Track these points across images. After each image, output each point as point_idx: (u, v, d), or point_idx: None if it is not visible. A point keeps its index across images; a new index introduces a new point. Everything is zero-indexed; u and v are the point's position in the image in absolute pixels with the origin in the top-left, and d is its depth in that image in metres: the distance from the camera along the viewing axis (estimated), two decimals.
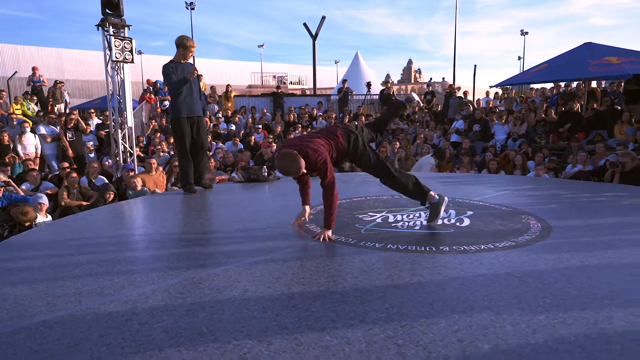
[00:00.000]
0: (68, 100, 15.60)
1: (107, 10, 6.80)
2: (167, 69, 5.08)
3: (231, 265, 2.74)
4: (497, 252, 2.92)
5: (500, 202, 4.48)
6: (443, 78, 30.25)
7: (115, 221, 4.28)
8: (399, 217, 3.86)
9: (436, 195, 3.56)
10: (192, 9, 32.94)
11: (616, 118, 9.31)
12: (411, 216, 3.89)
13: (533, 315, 2.01)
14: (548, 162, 8.47)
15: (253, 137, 11.93)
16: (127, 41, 6.95)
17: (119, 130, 7.18)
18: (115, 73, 7.11)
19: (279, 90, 15.67)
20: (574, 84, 12.80)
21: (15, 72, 21.25)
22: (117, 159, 7.21)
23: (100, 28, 6.87)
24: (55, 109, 13.57)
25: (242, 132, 13.01)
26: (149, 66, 39.08)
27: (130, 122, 7.23)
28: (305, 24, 18.64)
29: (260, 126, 12.71)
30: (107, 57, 6.96)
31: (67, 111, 12.33)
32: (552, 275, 2.51)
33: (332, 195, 3.20)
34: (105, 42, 6.86)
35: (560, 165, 8.73)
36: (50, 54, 38.37)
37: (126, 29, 7.02)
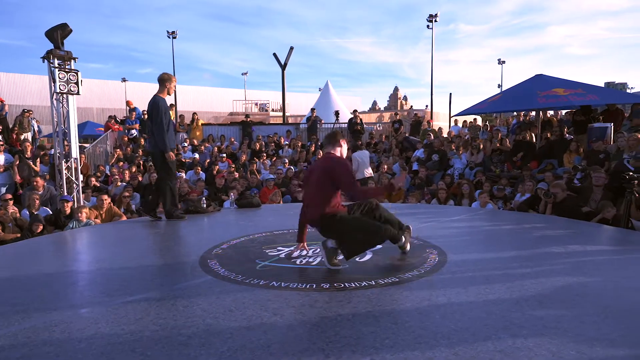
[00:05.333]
0: (36, 129, 15.53)
1: (60, 43, 6.87)
2: (165, 105, 5.60)
3: (100, 306, 2.72)
4: (374, 289, 2.94)
5: (416, 235, 4.51)
6: (426, 106, 30.79)
7: (11, 258, 4.14)
8: (303, 252, 3.87)
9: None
10: (174, 37, 33.36)
11: (565, 147, 9.52)
12: (317, 251, 3.90)
13: (361, 356, 2.03)
14: (496, 190, 8.60)
15: (217, 166, 11.95)
16: (73, 73, 7.01)
17: (63, 161, 7.16)
18: (61, 105, 7.14)
19: (248, 119, 15.80)
20: (533, 113, 13.11)
21: None
22: (61, 190, 7.16)
23: (45, 60, 6.93)
24: (22, 137, 13.51)
25: (208, 161, 13.04)
26: (132, 93, 39.34)
27: (75, 153, 7.23)
28: (274, 54, 19.01)
29: (224, 155, 12.75)
30: (52, 89, 7.01)
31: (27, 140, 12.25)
32: (410, 313, 2.53)
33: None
34: (50, 74, 6.91)
35: (512, 194, 8.88)
36: (33, 80, 38.55)
37: (72, 61, 7.10)
